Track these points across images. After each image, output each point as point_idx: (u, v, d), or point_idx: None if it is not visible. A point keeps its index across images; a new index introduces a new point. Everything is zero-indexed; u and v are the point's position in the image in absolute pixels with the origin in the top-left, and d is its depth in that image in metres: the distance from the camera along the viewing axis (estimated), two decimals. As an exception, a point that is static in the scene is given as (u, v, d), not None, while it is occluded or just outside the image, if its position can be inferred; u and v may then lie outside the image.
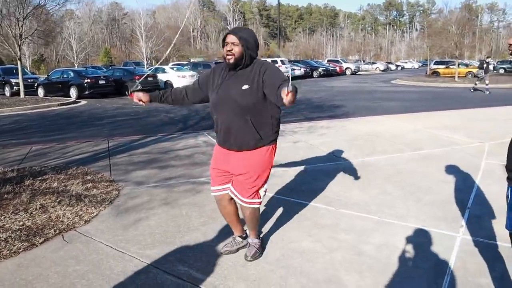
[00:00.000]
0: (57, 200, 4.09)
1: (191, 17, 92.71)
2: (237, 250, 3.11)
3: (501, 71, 39.48)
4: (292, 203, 4.13)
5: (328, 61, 47.31)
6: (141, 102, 2.99)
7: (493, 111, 11.63)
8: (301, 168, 5.44)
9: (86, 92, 17.50)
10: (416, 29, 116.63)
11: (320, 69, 37.67)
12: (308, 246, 3.19)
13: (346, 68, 43.58)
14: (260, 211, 3.67)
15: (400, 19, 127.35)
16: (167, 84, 21.33)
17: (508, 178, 2.24)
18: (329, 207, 4.01)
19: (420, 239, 3.32)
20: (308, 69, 35.90)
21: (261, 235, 3.31)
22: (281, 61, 31.14)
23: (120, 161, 5.81)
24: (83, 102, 16.40)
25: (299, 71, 33.97)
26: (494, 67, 39.29)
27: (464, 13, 33.41)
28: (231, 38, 2.67)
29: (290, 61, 37.23)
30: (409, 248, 3.16)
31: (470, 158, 5.88)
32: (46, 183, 4.65)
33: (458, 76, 27.61)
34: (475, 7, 36.68)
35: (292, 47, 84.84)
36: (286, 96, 2.17)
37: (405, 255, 3.04)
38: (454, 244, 3.23)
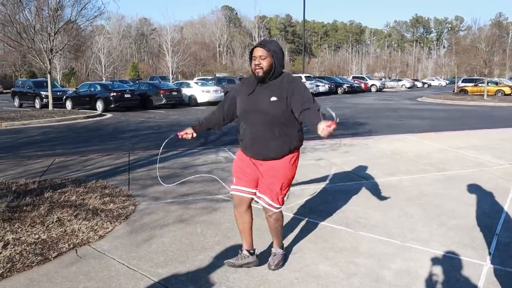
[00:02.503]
0: (74, 214, 4.10)
1: (217, 32, 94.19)
2: (242, 265, 3.05)
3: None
4: (310, 223, 4.01)
5: (353, 77, 47.00)
6: (189, 136, 3.21)
7: (524, 131, 11.21)
8: (321, 187, 5.31)
9: (112, 106, 17.86)
10: (444, 46, 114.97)
11: (344, 86, 37.44)
12: (324, 270, 3.06)
13: (371, 85, 43.19)
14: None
15: (427, 36, 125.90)
16: (191, 98, 21.59)
17: None
18: (348, 229, 3.87)
19: (444, 266, 3.14)
20: (332, 86, 35.75)
21: (284, 247, 3.24)
22: (306, 77, 31.09)
23: (139, 176, 5.82)
24: (108, 115, 16.73)
25: (323, 87, 33.86)
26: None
27: (494, 30, 32.70)
28: (259, 52, 2.73)
29: (314, 78, 37.11)
30: (431, 276, 2.99)
31: (499, 181, 5.63)
32: (65, 196, 4.68)
33: (487, 95, 26.89)
34: (505, 24, 35.78)
35: (317, 63, 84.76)
36: (326, 128, 2.37)
37: (426, 284, 2.88)
38: (480, 273, 3.04)
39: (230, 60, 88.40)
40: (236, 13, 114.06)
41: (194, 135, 3.21)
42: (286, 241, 3.57)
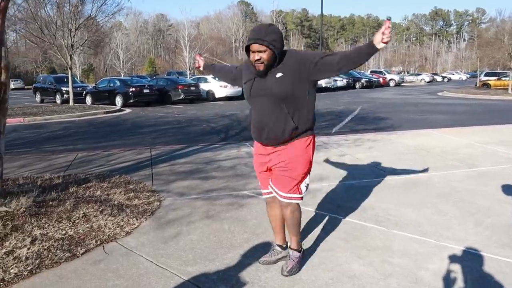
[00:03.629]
0: (100, 210, 4.07)
1: (234, 27, 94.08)
2: (276, 261, 2.99)
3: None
4: (339, 221, 3.89)
5: (371, 72, 46.36)
6: (197, 64, 3.36)
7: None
8: (348, 183, 5.18)
9: (131, 101, 17.95)
10: (464, 40, 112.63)
11: (362, 80, 36.91)
12: (359, 269, 2.95)
13: (390, 79, 42.52)
14: (303, 227, 3.50)
15: (447, 29, 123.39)
16: (209, 93, 21.56)
17: None
18: (379, 227, 3.74)
19: (484, 267, 2.99)
20: (350, 80, 35.27)
21: (303, 251, 3.05)
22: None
23: (162, 171, 5.78)
24: (127, 110, 16.82)
25: (341, 82, 33.45)
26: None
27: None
28: (257, 47, 2.56)
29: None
30: (472, 277, 2.85)
31: (534, 177, 5.40)
32: (90, 191, 4.66)
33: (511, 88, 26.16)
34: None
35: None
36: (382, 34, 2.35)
37: (468, 286, 2.74)
38: (524, 275, 2.89)
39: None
40: (252, 8, 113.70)
41: (201, 62, 3.36)
42: (317, 240, 3.47)
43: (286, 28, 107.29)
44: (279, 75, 2.61)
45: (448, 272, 2.92)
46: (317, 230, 3.67)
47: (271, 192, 2.90)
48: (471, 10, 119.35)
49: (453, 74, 66.40)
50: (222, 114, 14.41)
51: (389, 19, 2.39)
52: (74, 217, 3.85)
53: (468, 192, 4.77)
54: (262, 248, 3.27)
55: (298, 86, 2.62)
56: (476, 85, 33.62)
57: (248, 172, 5.68)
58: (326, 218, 3.96)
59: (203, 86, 21.47)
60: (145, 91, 18.45)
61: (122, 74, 40.74)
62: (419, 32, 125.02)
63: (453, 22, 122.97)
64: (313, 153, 2.81)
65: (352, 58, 2.56)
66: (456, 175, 5.53)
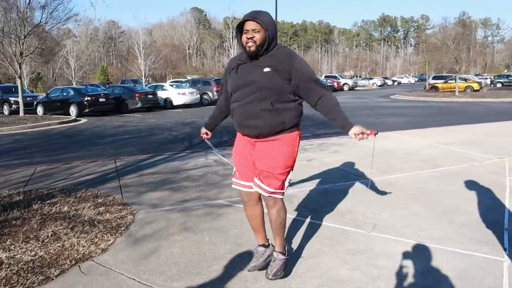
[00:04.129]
0: (70, 227, 3.84)
1: (187, 34, 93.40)
2: (264, 262, 2.92)
3: (499, 85, 39.75)
4: (320, 226, 3.90)
5: (326, 77, 47.45)
6: (205, 136, 3.30)
7: (503, 125, 11.53)
8: (321, 187, 5.22)
9: (86, 110, 17.29)
10: (411, 45, 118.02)
11: (318, 85, 37.57)
12: (346, 274, 2.95)
13: (344, 84, 43.73)
14: (286, 234, 3.46)
15: (395, 34, 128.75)
16: (167, 101, 21.18)
17: None
18: (359, 230, 3.78)
19: (465, 264, 3.09)
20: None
21: (287, 254, 2.98)
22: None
23: (130, 182, 5.57)
24: (83, 120, 16.17)
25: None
26: (491, 82, 39.68)
27: (459, 28, 33.70)
28: (252, 25, 2.51)
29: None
30: (456, 274, 2.93)
31: (492, 175, 5.69)
32: (56, 207, 4.40)
33: (458, 91, 27.68)
34: (469, 22, 36.99)
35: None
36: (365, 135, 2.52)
37: (454, 284, 2.81)
38: (502, 269, 3.01)
39: (201, 62, 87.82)
40: (205, 15, 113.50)
41: (209, 134, 3.30)
42: (300, 246, 3.45)
43: (232, 35, 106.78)
44: (266, 69, 2.56)
45: (433, 271, 2.99)
46: (299, 236, 3.66)
47: (251, 186, 2.79)
48: (416, 16, 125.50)
49: (402, 77, 69.42)
50: (183, 122, 14.19)
51: (376, 133, 2.63)
52: (42, 236, 3.61)
53: (436, 192, 4.94)
54: (247, 258, 3.20)
55: (285, 85, 2.58)
56: (425, 88, 35.28)
57: (219, 181, 5.60)
58: (306, 224, 3.96)
59: (161, 94, 21.07)
60: (101, 100, 17.83)
61: (74, 83, 39.24)
62: (368, 38, 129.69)
63: (400, 28, 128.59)
64: (298, 147, 2.79)
65: (325, 112, 2.66)
66: (421, 176, 5.72)
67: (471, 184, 5.22)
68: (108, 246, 3.47)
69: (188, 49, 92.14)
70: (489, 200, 4.60)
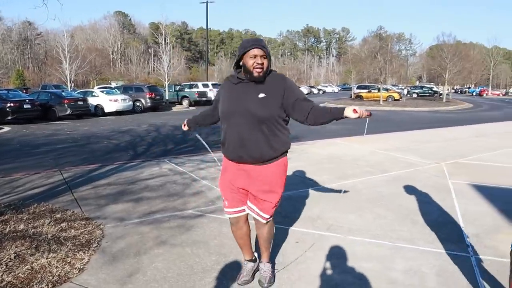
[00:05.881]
0: (33, 246, 3.52)
1: (111, 39, 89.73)
2: (253, 277, 3.02)
3: (414, 95, 43.26)
4: (297, 232, 3.97)
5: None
6: (186, 128, 3.24)
7: (427, 132, 12.55)
8: (285, 194, 5.27)
9: (9, 118, 15.83)
10: (333, 55, 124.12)
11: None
12: (338, 278, 3.05)
13: (274, 92, 44.58)
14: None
15: (318, 45, 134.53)
16: (98, 108, 20.16)
17: None
18: (336, 235, 3.91)
19: (439, 262, 3.34)
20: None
21: (276, 266, 3.13)
22: (212, 85, 31.02)
23: (86, 195, 5.23)
24: (6, 128, 14.78)
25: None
26: (408, 92, 43.03)
27: (375, 41, 36.18)
28: (260, 52, 2.59)
29: (219, 85, 37.03)
30: (436, 272, 3.15)
31: (436, 179, 6.18)
32: (11, 226, 3.99)
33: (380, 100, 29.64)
34: (385, 36, 39.98)
35: (216, 71, 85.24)
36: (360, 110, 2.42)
37: (436, 281, 3.02)
38: (471, 264, 3.30)
39: (126, 67, 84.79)
40: (130, 19, 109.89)
41: (186, 128, 3.25)
42: (285, 254, 3.49)
43: (165, 40, 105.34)
44: (261, 95, 2.61)
45: (413, 270, 3.19)
46: (281, 243, 3.69)
47: (240, 211, 2.87)
48: (338, 29, 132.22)
49: (327, 86, 72.72)
50: (120, 130, 13.60)
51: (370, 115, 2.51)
52: (5, 260, 3.26)
53: (393, 196, 5.26)
54: (236, 268, 3.18)
55: (279, 110, 2.65)
56: (351, 97, 37.30)
57: (181, 190, 5.47)
58: (283, 231, 4.01)
59: (92, 101, 19.98)
60: (25, 106, 16.43)
61: (-13, 88, 35.79)
62: (293, 48, 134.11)
63: (323, 39, 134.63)
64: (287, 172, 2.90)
65: (319, 117, 2.63)
66: (375, 181, 6.05)
67: (421, 188, 5.63)
68: (84, 265, 3.23)
69: (112, 54, 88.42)
70: (440, 201, 5.00)
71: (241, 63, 2.65)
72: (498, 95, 58.72)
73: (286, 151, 2.79)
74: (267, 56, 2.60)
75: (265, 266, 3.01)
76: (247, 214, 2.89)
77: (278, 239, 3.80)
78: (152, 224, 4.17)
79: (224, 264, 3.27)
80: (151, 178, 6.17)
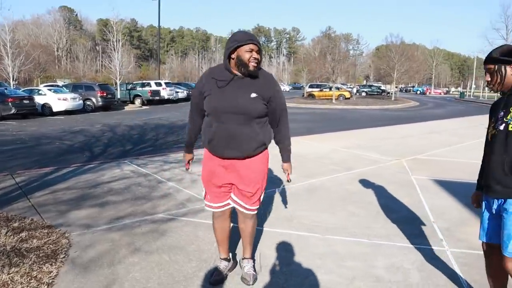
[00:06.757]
0: (-8, 259, 3.20)
1: (56, 35, 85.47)
2: (227, 275, 3.02)
3: (363, 94, 44.72)
4: (274, 233, 3.90)
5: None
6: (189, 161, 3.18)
7: (382, 130, 12.95)
8: (257, 194, 5.22)
9: None
10: (284, 54, 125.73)
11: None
12: (325, 278, 3.01)
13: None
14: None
15: (268, 44, 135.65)
16: (46, 107, 19.04)
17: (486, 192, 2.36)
18: (314, 234, 3.88)
19: (418, 257, 3.40)
20: (190, 92, 35.57)
21: (260, 269, 3.09)
22: (165, 83, 30.33)
23: (44, 201, 4.86)
24: None
25: (182, 93, 33.42)
26: (357, 91, 44.41)
27: (325, 41, 37.04)
28: (255, 47, 2.63)
29: (173, 84, 36.27)
30: (417, 267, 3.21)
31: (399, 175, 6.36)
32: (-38, 238, 3.62)
33: (332, 98, 30.32)
34: (334, 36, 41.07)
35: (167, 69, 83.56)
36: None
37: (418, 276, 3.06)
38: (448, 257, 3.40)
39: (72, 65, 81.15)
40: (76, 15, 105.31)
41: (193, 158, 3.21)
42: (268, 256, 3.40)
43: (114, 37, 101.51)
44: (253, 95, 2.65)
45: (395, 266, 3.22)
46: (261, 245, 3.61)
47: (225, 205, 2.90)
48: (288, 29, 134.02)
49: (279, 85, 73.35)
50: (71, 130, 12.91)
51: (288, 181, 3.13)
52: (-40, 275, 2.93)
53: (361, 193, 5.34)
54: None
55: (265, 109, 2.73)
56: (303, 96, 37.87)
57: (148, 193, 5.24)
58: (261, 232, 3.92)
59: (38, 99, 18.81)
60: (-38, 106, 15.21)
61: None
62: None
63: (273, 38, 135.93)
64: None
65: (280, 139, 2.96)
66: (342, 178, 6.12)
67: (386, 184, 5.76)
68: (53, 279, 2.97)
69: (57, 51, 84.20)
70: (408, 198, 5.13)
71: (232, 56, 2.62)
72: (440, 93, 62.26)
73: (268, 143, 2.85)
74: (261, 51, 2.68)
75: (248, 263, 3.00)
76: (231, 208, 2.93)
77: (257, 240, 3.71)
78: (122, 230, 3.94)
79: (207, 270, 3.13)
80: (113, 180, 5.86)
